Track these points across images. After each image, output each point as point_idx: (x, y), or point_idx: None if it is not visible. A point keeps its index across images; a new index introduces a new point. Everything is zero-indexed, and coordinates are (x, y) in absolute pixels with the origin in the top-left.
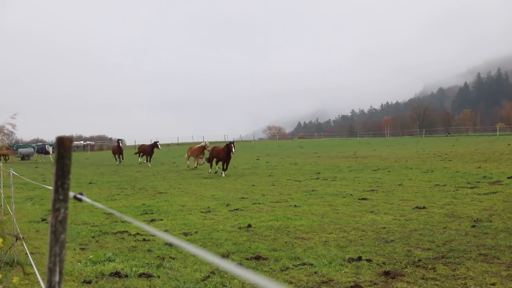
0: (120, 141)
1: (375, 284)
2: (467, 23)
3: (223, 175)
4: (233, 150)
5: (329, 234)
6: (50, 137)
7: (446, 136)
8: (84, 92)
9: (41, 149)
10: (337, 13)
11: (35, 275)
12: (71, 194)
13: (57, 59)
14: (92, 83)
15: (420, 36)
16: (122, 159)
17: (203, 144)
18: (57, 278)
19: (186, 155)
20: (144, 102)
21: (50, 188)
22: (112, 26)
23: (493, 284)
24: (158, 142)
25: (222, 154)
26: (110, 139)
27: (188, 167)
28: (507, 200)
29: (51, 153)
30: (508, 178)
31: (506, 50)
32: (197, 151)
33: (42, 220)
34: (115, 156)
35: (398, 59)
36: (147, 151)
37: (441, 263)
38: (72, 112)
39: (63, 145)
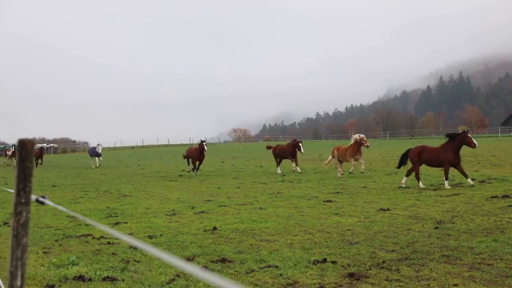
0: (204, 143)
1: (340, 285)
2: (430, 30)
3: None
4: (367, 143)
5: (295, 236)
6: (12, 139)
7: (410, 138)
8: (48, 90)
9: (91, 151)
10: (304, 19)
11: None
12: (33, 197)
13: (16, 55)
14: (58, 80)
15: (386, 42)
16: (198, 166)
17: (357, 137)
18: (19, 282)
19: (330, 157)
20: (107, 103)
21: (12, 191)
22: (78, 21)
23: (455, 285)
24: (300, 142)
25: (351, 150)
26: (74, 141)
27: (341, 175)
28: (469, 202)
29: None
30: (471, 179)
31: (467, 54)
32: (352, 150)
33: (4, 224)
34: (189, 161)
35: (364, 65)
36: (287, 153)
37: (405, 265)
38: (34, 113)
39: (25, 148)
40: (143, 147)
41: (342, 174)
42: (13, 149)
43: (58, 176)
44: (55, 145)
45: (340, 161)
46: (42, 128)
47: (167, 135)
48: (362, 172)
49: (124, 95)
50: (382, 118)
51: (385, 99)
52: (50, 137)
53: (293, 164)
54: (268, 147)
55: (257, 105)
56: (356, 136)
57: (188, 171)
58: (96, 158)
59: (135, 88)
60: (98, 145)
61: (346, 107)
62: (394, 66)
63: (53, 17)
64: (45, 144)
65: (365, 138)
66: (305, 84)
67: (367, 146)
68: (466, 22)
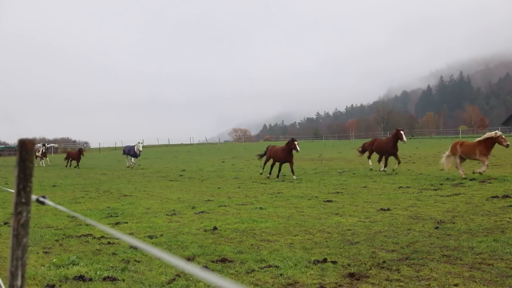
0: (296, 142)
1: (340, 285)
2: (430, 30)
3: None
4: (507, 142)
5: (295, 236)
6: (12, 139)
7: (410, 138)
8: (48, 90)
9: (129, 151)
10: (304, 20)
11: None
12: (34, 197)
13: (16, 55)
14: (58, 80)
15: (386, 42)
16: (292, 168)
17: (492, 134)
18: (19, 282)
19: (449, 154)
20: (107, 103)
21: (12, 191)
22: (78, 21)
23: (455, 285)
24: (402, 130)
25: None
26: (74, 141)
27: (444, 170)
28: (469, 202)
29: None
30: (470, 180)
31: (468, 54)
32: (483, 147)
33: (5, 224)
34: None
35: (364, 65)
36: (385, 149)
37: (405, 265)
38: (34, 113)
39: (25, 148)
40: (143, 147)
41: (465, 175)
42: (43, 149)
43: (59, 176)
44: (56, 145)
45: (462, 159)
46: (42, 128)
47: (167, 135)
48: (480, 173)
49: (124, 95)
50: (383, 118)
51: (386, 99)
52: (50, 137)
53: (396, 165)
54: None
55: (257, 105)
56: (492, 133)
57: (262, 174)
58: (132, 158)
59: (136, 88)
60: (139, 143)
61: (347, 107)
62: (394, 66)
63: (53, 17)
64: (83, 146)
65: (503, 136)
66: (305, 84)
67: (507, 145)
68: (466, 22)
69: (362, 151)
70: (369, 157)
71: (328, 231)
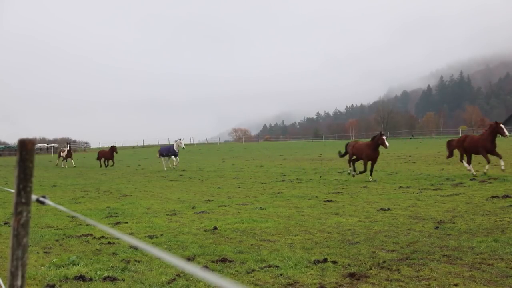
0: (385, 137)
1: (340, 285)
2: (430, 30)
3: None
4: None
5: (295, 236)
6: (12, 139)
7: (410, 138)
8: (48, 90)
9: (168, 151)
10: (304, 19)
11: None
12: (34, 197)
13: (16, 55)
14: (58, 80)
15: (386, 42)
16: (372, 167)
17: None
18: (19, 282)
19: None
20: (107, 103)
21: (12, 191)
22: (78, 21)
23: (456, 285)
24: (502, 124)
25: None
26: (74, 141)
27: None
28: (470, 202)
29: (177, 153)
30: (470, 180)
31: (468, 54)
32: None
33: (5, 224)
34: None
35: (364, 65)
36: (482, 146)
37: (405, 265)
38: (34, 113)
39: (26, 148)
40: (143, 147)
41: None
42: (68, 149)
43: (59, 176)
44: (56, 145)
45: None
46: (42, 128)
47: (167, 135)
48: None
49: (124, 95)
50: (383, 118)
51: (386, 99)
52: (50, 137)
53: (487, 166)
54: (450, 143)
55: (257, 105)
56: None
57: (353, 175)
58: (174, 157)
59: (136, 88)
60: (180, 139)
61: (347, 107)
62: (395, 66)
63: (53, 17)
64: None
65: None
66: (305, 84)
67: None
68: (466, 22)
69: (450, 152)
70: (461, 159)
71: (328, 231)
